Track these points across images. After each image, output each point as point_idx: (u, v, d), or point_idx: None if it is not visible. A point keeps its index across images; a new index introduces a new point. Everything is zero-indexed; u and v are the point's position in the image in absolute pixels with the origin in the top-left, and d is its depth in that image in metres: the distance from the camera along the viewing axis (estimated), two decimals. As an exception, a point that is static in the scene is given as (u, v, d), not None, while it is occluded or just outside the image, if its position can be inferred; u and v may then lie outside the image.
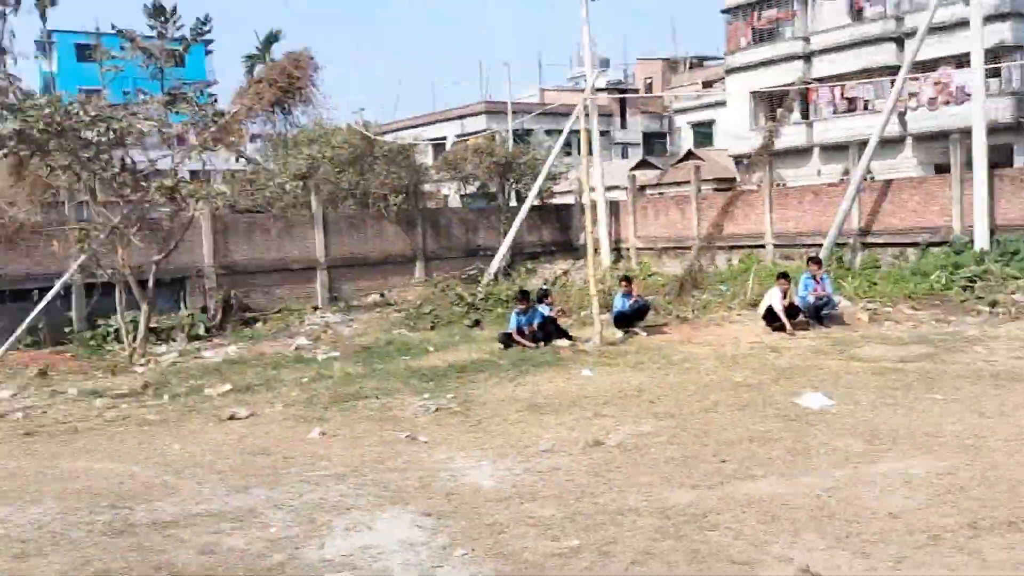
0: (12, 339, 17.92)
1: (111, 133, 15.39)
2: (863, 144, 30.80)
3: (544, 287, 15.51)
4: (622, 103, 56.40)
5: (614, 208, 40.06)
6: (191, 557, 5.00)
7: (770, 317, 13.56)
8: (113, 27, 31.40)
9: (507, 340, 13.77)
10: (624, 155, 54.53)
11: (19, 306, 21.22)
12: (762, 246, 34.09)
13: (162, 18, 51.71)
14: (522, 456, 6.93)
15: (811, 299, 13.53)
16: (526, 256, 39.29)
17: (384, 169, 31.19)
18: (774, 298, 13.74)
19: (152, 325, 23.55)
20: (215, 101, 33.01)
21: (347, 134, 31.39)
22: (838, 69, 35.19)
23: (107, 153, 15.90)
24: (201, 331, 23.88)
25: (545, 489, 6.03)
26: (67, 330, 21.99)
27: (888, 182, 30.93)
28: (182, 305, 26.74)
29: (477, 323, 16.65)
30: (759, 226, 34.40)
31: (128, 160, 16.80)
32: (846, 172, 35.48)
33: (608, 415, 8.47)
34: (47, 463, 7.71)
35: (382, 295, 24.79)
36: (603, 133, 57.37)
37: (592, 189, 40.60)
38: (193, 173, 54.22)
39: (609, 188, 43.75)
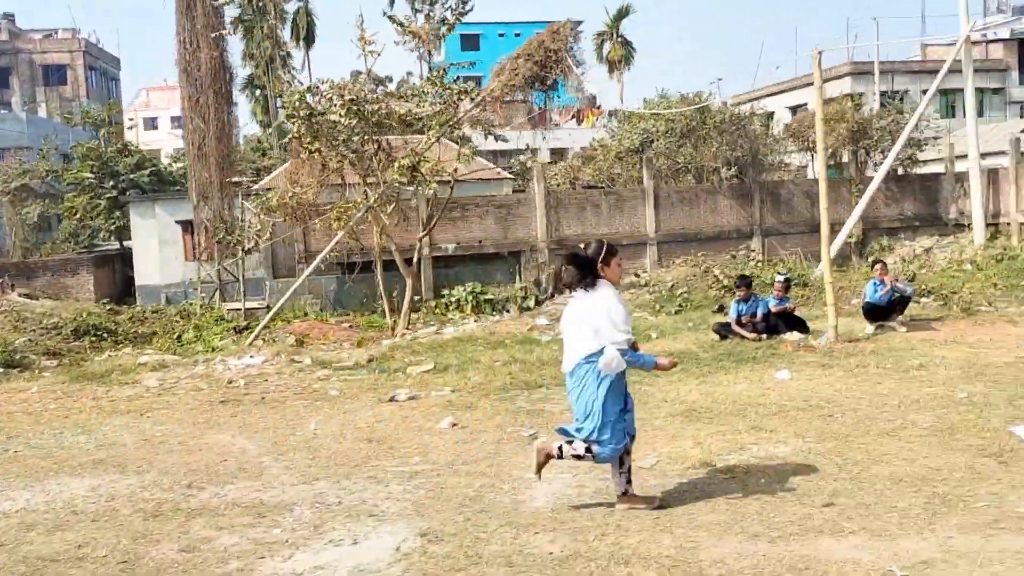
0: (276, 308, 19.82)
1: (364, 116, 16.18)
2: None
3: (783, 275, 13.42)
4: (1021, 55, 48.05)
5: (992, 177, 34.64)
6: (170, 554, 5.02)
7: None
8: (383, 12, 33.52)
9: (724, 331, 12.22)
10: (1022, 114, 46.63)
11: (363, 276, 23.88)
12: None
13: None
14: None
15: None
16: (883, 231, 35.59)
17: (717, 140, 30.05)
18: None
19: (488, 297, 25.16)
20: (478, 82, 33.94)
21: (681, 105, 30.69)
22: None
23: (361, 136, 16.75)
24: (532, 303, 24.91)
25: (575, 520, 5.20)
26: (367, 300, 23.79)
27: None
28: (517, 278, 28.22)
29: (721, 308, 15.03)
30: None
31: (384, 142, 17.59)
32: None
33: (765, 429, 7.10)
34: (194, 433, 8.33)
35: (637, 275, 23.72)
36: (996, 91, 49.55)
37: (960, 157, 35.57)
38: (554, 152, 57.09)
39: (994, 154, 37.89)
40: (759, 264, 24.83)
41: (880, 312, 11.73)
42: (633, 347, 5.54)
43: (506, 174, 34.09)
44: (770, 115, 52.28)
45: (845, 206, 32.84)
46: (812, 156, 39.67)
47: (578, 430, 5.57)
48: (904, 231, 35.82)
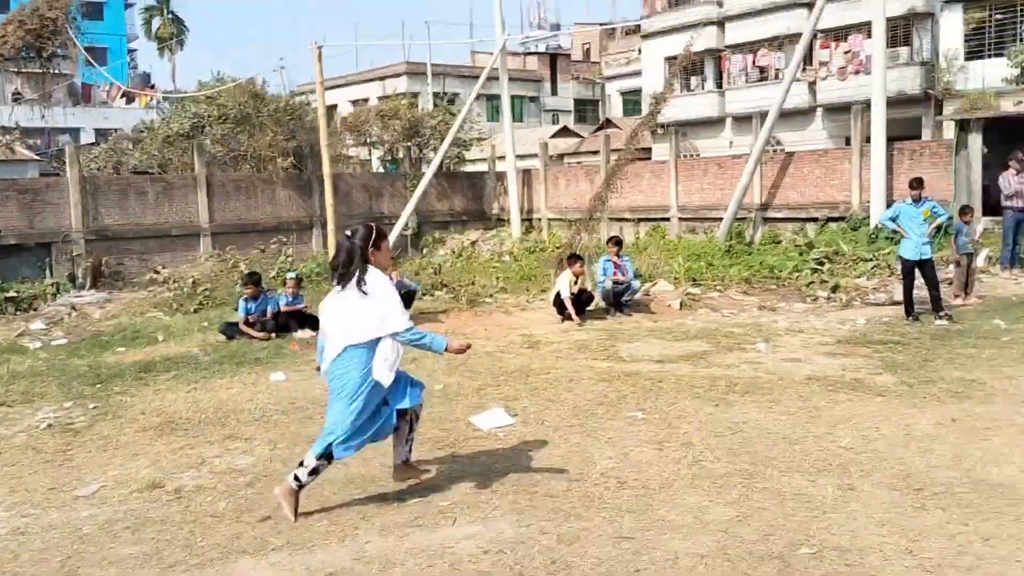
0: None
1: None
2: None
3: (294, 272, 13.47)
4: (553, 68, 54.53)
5: (527, 177, 38.57)
6: None
7: (560, 305, 12.00)
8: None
9: (231, 331, 11.84)
10: (555, 121, 52.86)
11: None
12: (667, 219, 32.83)
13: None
14: (48, 502, 5.37)
15: (609, 284, 11.97)
16: (436, 225, 37.74)
17: (273, 130, 29.29)
18: (563, 283, 12.18)
19: (10, 295, 21.88)
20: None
21: (235, 92, 29.40)
22: (751, 36, 33.74)
23: None
24: (69, 299, 22.23)
25: None
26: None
27: (790, 155, 29.72)
28: (48, 272, 25.07)
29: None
30: (665, 198, 33.11)
31: None
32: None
33: (240, 437, 6.90)
34: None
35: (156, 272, 22.76)
36: (533, 99, 55.74)
37: (501, 158, 38.98)
38: (102, 133, 51.62)
39: (530, 156, 42.16)
40: (290, 257, 24.73)
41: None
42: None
43: (31, 154, 30.17)
44: (333, 107, 53.01)
45: (402, 200, 34.35)
46: (371, 150, 40.75)
47: (330, 433, 5.13)
48: (455, 225, 38.50)
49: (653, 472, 5.76)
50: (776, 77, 33.17)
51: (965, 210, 13.16)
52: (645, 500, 5.23)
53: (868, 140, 25.59)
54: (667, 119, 36.49)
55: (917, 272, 11.70)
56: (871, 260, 16.05)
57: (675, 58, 36.56)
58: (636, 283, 12.66)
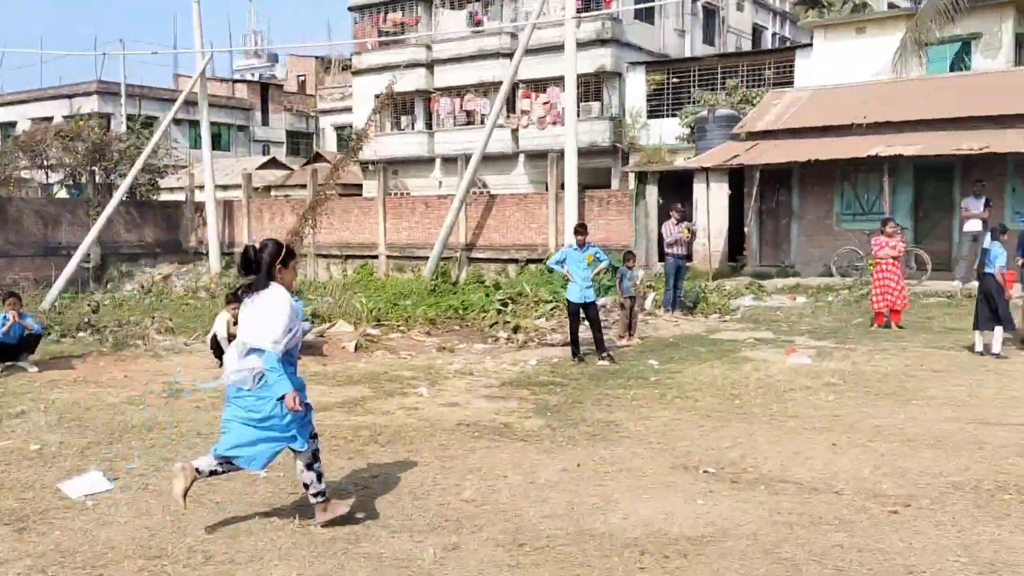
0: None
1: None
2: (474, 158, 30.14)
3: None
4: (264, 97, 52.76)
5: (229, 209, 36.62)
6: None
7: (217, 348, 11.12)
8: None
9: None
10: (266, 152, 51.03)
11: None
12: (376, 256, 32.49)
13: None
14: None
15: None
16: (123, 257, 34.62)
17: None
18: (219, 324, 11.29)
19: None
20: None
21: None
22: (458, 80, 34.64)
23: None
24: None
25: None
26: None
27: (493, 197, 30.58)
28: None
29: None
30: (374, 235, 32.75)
31: None
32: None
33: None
34: None
35: None
36: (242, 128, 53.58)
37: (200, 187, 36.71)
38: None
39: (234, 186, 40.09)
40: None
41: (8, 351, 10.57)
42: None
43: None
44: (11, 124, 47.52)
45: (84, 228, 31.15)
46: (48, 173, 36.83)
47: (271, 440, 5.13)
48: (146, 257, 35.58)
49: (249, 543, 5.09)
50: (482, 122, 34.14)
51: (628, 256, 13.88)
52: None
53: (564, 186, 26.85)
54: (378, 156, 36.35)
55: (583, 314, 12.11)
56: (551, 301, 16.55)
57: (390, 96, 36.66)
58: (306, 324, 11.96)
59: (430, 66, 35.42)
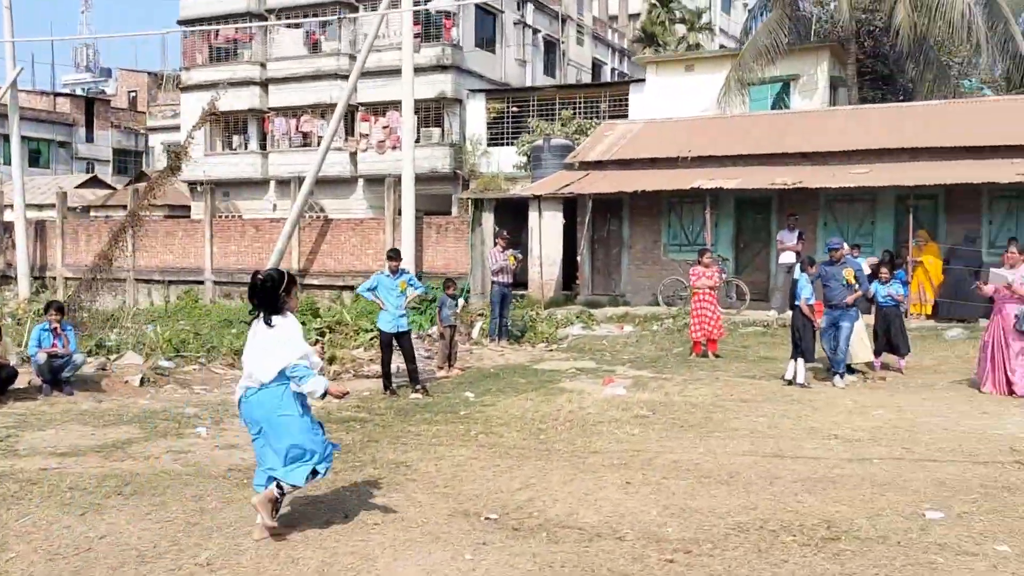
0: None
1: None
2: (311, 181, 29.04)
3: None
4: (88, 113, 49.53)
5: (41, 229, 33.89)
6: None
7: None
8: None
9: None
10: (90, 170, 47.81)
11: None
12: (201, 281, 30.74)
13: None
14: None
15: (42, 357, 9.98)
16: (-88, 281, 31.36)
17: None
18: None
19: None
20: None
21: None
22: (294, 100, 33.51)
23: None
24: None
25: None
26: None
27: (328, 221, 29.59)
28: None
29: None
30: (200, 260, 31.00)
31: None
32: (304, 210, 33.61)
33: None
34: None
35: None
36: (63, 144, 50.16)
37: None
38: None
39: (49, 206, 37.20)
40: None
41: None
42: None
43: None
44: None
45: None
46: None
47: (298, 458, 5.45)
48: (-60, 281, 32.46)
49: None
50: (318, 144, 33.09)
51: (448, 283, 13.40)
52: None
53: (401, 212, 26.23)
54: (208, 177, 34.58)
55: (396, 344, 11.50)
56: (371, 331, 15.83)
57: (218, 114, 35.00)
58: (79, 357, 10.75)
59: (264, 85, 34.11)
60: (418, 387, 11.17)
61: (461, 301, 14.51)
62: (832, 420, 9.03)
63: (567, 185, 20.05)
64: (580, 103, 29.43)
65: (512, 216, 24.23)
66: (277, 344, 5.41)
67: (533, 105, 29.94)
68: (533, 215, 23.21)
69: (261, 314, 5.53)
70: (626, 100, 28.87)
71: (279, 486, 5.40)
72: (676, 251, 20.66)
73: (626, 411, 9.65)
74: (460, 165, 30.96)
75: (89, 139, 49.81)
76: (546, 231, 23.05)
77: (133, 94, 55.35)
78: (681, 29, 44.10)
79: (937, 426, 8.70)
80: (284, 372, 5.41)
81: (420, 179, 30.69)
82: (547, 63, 37.44)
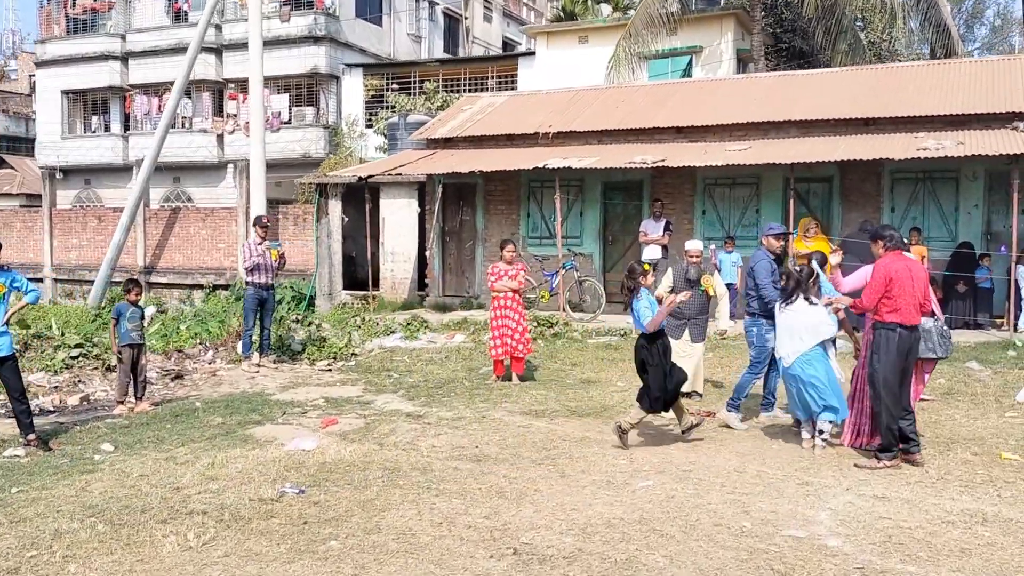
0: None
1: None
2: (178, 167, 25.58)
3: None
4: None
5: None
6: None
7: None
8: None
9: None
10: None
11: None
12: (40, 279, 27.15)
13: None
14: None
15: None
16: None
17: None
18: None
19: None
20: None
21: None
22: (157, 76, 29.86)
23: None
24: None
25: None
26: None
27: (176, 211, 26.19)
28: None
29: None
30: (38, 255, 27.42)
31: None
32: (170, 198, 30.12)
33: None
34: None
35: None
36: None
37: None
38: None
39: None
40: None
41: None
42: None
43: None
44: None
45: None
46: None
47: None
48: None
49: None
50: (184, 125, 29.63)
51: (131, 286, 10.02)
52: None
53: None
54: (66, 162, 30.95)
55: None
56: (81, 345, 12.51)
57: (76, 92, 31.37)
58: None
59: (125, 59, 30.47)
60: (29, 437, 7.89)
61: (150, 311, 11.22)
62: (565, 502, 5.91)
63: (402, 165, 16.83)
64: (467, 78, 26.24)
65: (365, 205, 20.99)
66: None
67: (415, 82, 26.67)
68: (386, 203, 20.00)
69: None
70: (515, 75, 25.74)
71: None
72: (536, 245, 17.54)
73: (270, 484, 6.44)
74: (337, 149, 27.60)
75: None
76: (399, 222, 19.85)
77: None
78: (606, 9, 40.99)
79: (717, 514, 5.62)
80: None
81: (292, 165, 27.42)
82: (449, 40, 34.19)
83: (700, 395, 9.69)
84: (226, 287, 24.36)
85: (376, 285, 19.38)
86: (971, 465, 6.87)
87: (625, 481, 6.42)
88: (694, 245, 9.65)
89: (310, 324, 16.15)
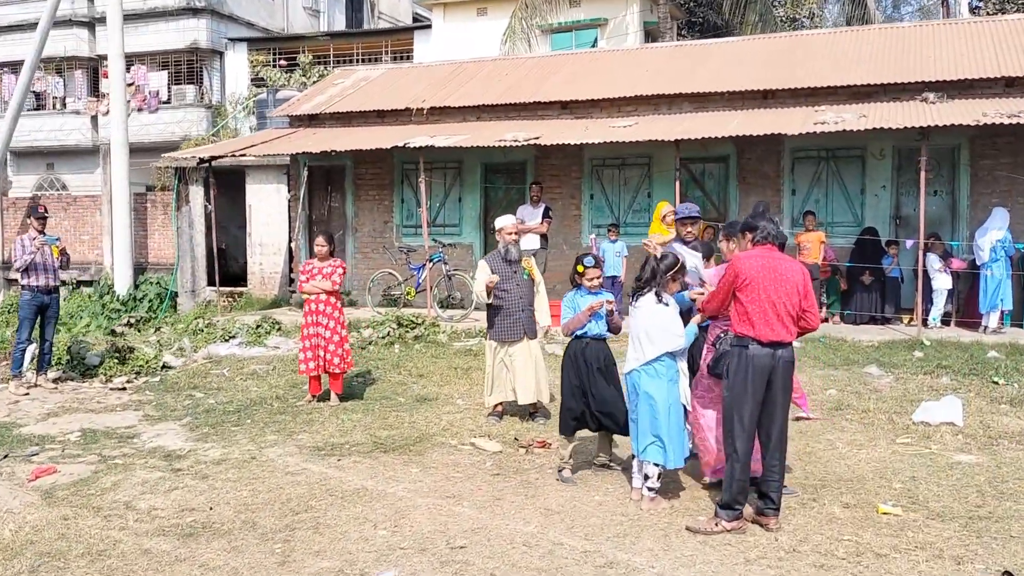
0: None
1: None
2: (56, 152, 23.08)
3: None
4: None
5: None
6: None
7: None
8: None
9: None
10: None
11: None
12: None
13: None
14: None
15: None
16: None
17: None
18: None
19: None
20: None
21: None
22: (22, 54, 27.16)
23: None
24: None
25: None
26: None
27: (35, 199, 23.62)
28: None
29: None
30: None
31: None
32: (44, 186, 27.59)
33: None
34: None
35: None
36: None
37: None
38: None
39: None
40: None
41: None
42: None
43: None
44: None
45: None
46: None
47: None
48: None
49: None
50: (54, 106, 27.11)
51: None
52: None
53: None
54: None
55: None
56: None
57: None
58: None
59: (-11, 34, 27.76)
60: None
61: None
62: None
63: (252, 146, 14.83)
64: (359, 53, 24.23)
65: (241, 192, 18.96)
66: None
67: (311, 59, 24.52)
68: (252, 188, 18.00)
69: None
70: (410, 49, 23.80)
71: None
72: (412, 235, 15.72)
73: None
74: (222, 131, 25.35)
75: None
76: (267, 210, 17.88)
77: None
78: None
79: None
80: None
81: (173, 148, 25.13)
82: (352, 16, 32.01)
83: (544, 412, 8.04)
84: (90, 283, 22.12)
85: (242, 281, 17.41)
86: (838, 525, 5.27)
87: (362, 571, 4.65)
88: (505, 221, 8.07)
89: (154, 329, 14.23)
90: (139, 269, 21.23)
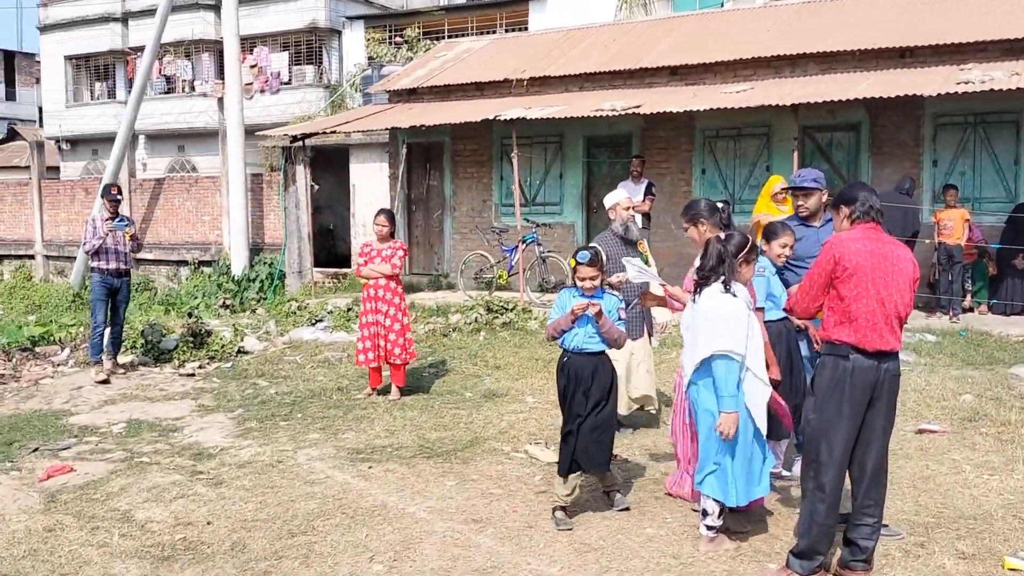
0: None
1: None
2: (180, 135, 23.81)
3: None
4: (10, 69, 44.70)
5: None
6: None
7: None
8: None
9: None
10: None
11: None
12: (33, 256, 25.84)
13: None
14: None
15: None
16: None
17: None
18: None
19: None
20: None
21: None
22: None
23: None
24: None
25: None
26: None
27: (160, 182, 24.33)
28: None
29: None
30: (30, 230, 26.08)
31: None
32: (175, 168, 28.47)
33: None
34: None
35: None
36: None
37: None
38: None
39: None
40: None
41: None
42: None
43: None
44: None
45: None
46: None
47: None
48: None
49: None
50: (183, 89, 27.84)
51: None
52: None
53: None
54: (69, 132, 29.62)
55: None
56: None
57: (80, 57, 29.91)
58: None
59: (125, 20, 28.75)
60: None
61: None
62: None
63: (347, 122, 14.36)
64: (473, 26, 23.52)
65: (346, 172, 18.69)
66: None
67: (419, 33, 24.06)
68: (356, 168, 17.66)
69: None
70: (525, 20, 22.87)
71: None
72: (509, 214, 14.84)
73: None
74: (340, 109, 25.30)
75: (9, 97, 44.93)
76: (371, 189, 17.51)
77: None
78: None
79: None
80: None
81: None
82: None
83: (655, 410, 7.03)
84: (210, 263, 22.50)
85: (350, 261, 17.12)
86: (947, 586, 4.08)
87: None
88: (618, 195, 6.95)
89: (250, 310, 14.09)
90: (255, 249, 21.37)
